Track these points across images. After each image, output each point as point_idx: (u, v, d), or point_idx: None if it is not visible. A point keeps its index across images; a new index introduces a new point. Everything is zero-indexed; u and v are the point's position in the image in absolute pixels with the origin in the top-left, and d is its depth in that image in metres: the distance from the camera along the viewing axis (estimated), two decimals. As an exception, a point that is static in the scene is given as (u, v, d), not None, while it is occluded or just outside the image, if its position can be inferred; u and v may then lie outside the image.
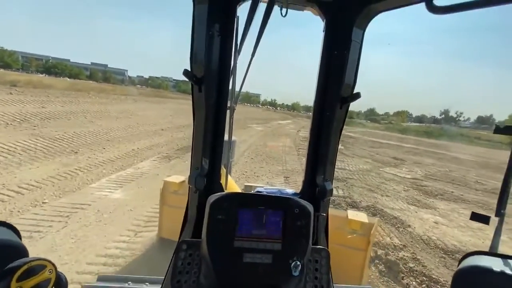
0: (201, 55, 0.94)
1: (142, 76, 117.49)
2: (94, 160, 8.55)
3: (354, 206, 7.46)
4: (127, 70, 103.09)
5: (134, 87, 60.62)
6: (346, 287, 1.88)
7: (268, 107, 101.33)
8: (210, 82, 0.98)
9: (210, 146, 1.08)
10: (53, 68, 72.26)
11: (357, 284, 3.24)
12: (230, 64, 1.02)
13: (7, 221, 0.82)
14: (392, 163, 15.36)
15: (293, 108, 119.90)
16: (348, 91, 1.02)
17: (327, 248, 1.01)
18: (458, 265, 0.91)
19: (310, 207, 0.95)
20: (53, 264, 0.55)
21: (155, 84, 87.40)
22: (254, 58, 1.20)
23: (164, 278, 1.05)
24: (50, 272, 0.53)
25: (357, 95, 1.00)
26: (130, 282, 1.61)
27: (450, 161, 19.06)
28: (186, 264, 0.90)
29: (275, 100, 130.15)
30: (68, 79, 44.98)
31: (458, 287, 0.87)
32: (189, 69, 0.95)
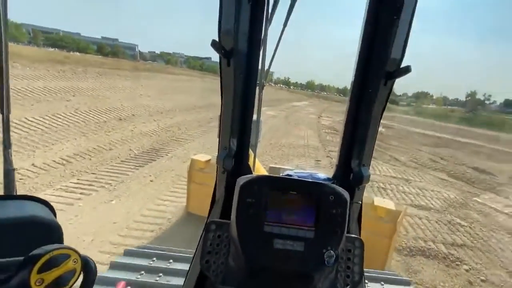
0: (230, 24, 0.79)
1: (154, 52, 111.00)
2: None
3: None
4: (137, 45, 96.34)
5: (136, 61, 54.15)
6: (375, 271, 1.84)
7: (281, 86, 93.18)
8: (240, 55, 0.84)
9: (239, 126, 0.94)
10: (60, 41, 66.89)
11: (380, 269, 2.85)
12: (261, 35, 0.89)
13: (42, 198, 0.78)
14: (482, 182, 9.21)
15: (308, 87, 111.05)
16: (395, 64, 0.81)
17: (360, 237, 0.89)
18: None
19: (346, 195, 0.81)
20: (78, 253, 0.46)
21: (164, 59, 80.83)
22: (284, 30, 1.17)
23: (193, 257, 1.01)
24: (74, 262, 0.45)
25: (407, 69, 0.78)
26: (154, 259, 1.61)
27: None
28: (215, 245, 0.83)
29: (288, 78, 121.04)
30: (78, 54, 40.55)
31: None
32: (217, 40, 0.79)
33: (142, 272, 1.55)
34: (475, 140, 19.45)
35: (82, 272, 0.47)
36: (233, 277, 0.80)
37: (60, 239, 0.70)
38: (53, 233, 0.70)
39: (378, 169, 8.90)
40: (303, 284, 0.77)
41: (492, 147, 17.10)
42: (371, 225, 3.10)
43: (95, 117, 8.89)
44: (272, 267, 0.75)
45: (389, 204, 3.24)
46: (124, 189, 5.30)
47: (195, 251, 0.98)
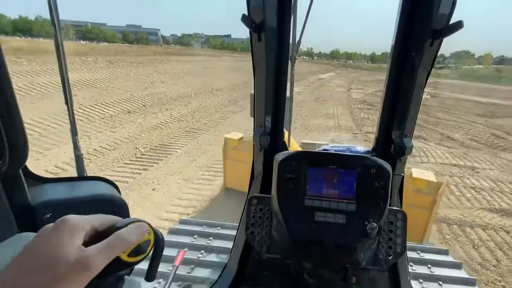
0: None
1: (176, 35, 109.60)
2: None
3: None
4: (159, 30, 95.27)
5: (158, 45, 53.29)
6: (419, 246, 1.74)
7: (304, 57, 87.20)
8: (270, 29, 0.80)
9: (272, 103, 0.93)
10: (88, 33, 68.25)
11: (418, 241, 2.98)
12: (291, 6, 0.84)
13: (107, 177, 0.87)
14: None
15: (332, 56, 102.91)
16: (443, 21, 0.70)
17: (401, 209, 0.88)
18: None
19: (388, 167, 0.80)
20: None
21: (185, 42, 79.07)
22: None
23: (238, 228, 1.07)
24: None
25: (458, 25, 0.66)
26: (204, 226, 1.83)
27: None
28: (258, 218, 0.88)
29: (311, 49, 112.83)
30: (107, 44, 41.64)
31: None
32: (247, 14, 0.78)
33: (196, 236, 1.74)
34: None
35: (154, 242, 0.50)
36: (277, 247, 0.84)
37: (127, 214, 0.82)
38: (121, 208, 0.82)
39: (431, 154, 7.02)
40: (346, 254, 0.79)
41: None
42: (409, 196, 2.93)
43: (101, 111, 8.03)
44: (315, 238, 0.77)
45: (429, 176, 3.17)
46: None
47: (239, 223, 1.05)
